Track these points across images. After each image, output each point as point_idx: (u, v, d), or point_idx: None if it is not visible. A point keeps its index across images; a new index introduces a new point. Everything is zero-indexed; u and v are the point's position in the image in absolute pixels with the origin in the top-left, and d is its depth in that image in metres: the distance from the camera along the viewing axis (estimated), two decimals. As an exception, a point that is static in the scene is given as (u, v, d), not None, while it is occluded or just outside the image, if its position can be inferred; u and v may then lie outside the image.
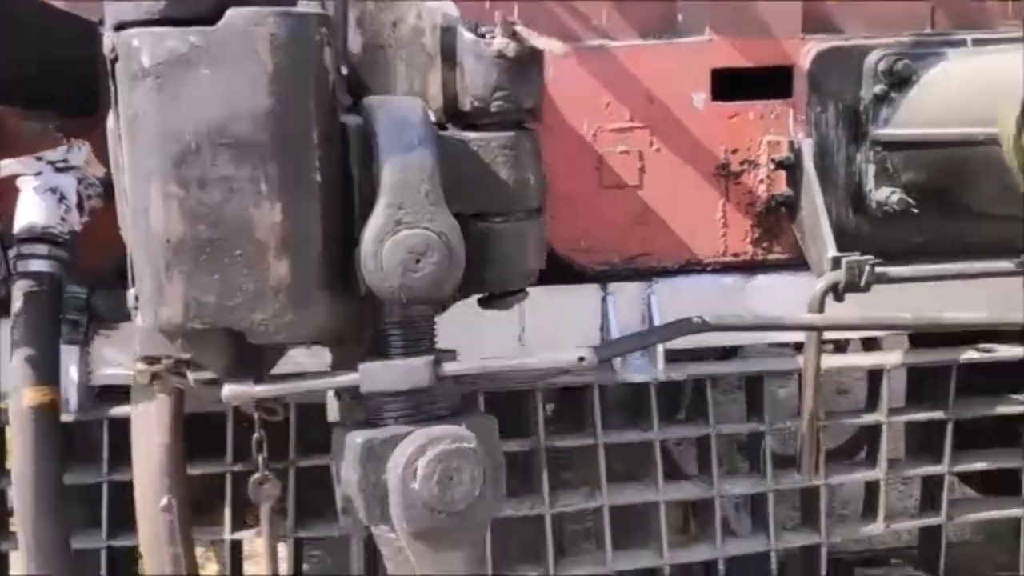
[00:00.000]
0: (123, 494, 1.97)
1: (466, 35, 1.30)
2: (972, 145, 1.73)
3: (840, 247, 1.99)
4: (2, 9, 1.42)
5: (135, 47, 1.15)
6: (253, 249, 1.13)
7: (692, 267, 2.18)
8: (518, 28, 1.30)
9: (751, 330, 1.90)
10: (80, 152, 1.59)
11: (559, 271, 2.17)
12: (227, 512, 1.91)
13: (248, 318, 1.15)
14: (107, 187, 1.73)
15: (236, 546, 1.98)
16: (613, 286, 2.15)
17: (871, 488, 2.32)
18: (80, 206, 1.58)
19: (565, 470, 2.28)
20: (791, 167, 2.11)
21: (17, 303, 1.47)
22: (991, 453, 2.38)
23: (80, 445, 1.97)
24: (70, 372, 1.81)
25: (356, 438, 1.21)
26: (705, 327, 1.81)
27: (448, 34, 1.32)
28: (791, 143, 2.10)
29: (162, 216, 1.13)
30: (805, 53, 2.11)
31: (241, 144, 1.11)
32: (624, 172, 2.12)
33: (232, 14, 1.15)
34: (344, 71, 1.24)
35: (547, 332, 2.14)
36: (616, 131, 2.10)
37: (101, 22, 1.77)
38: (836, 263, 1.95)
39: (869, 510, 2.33)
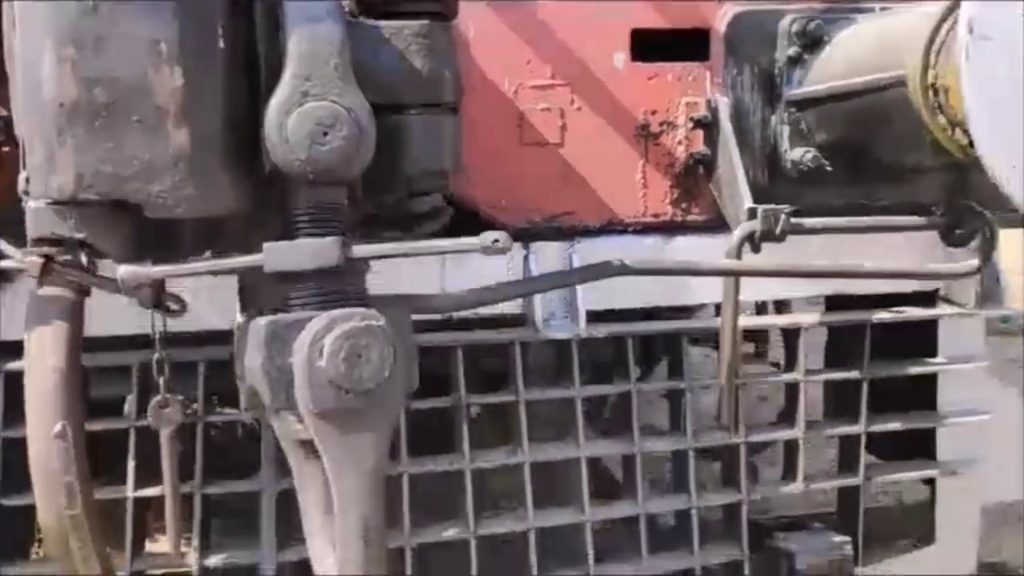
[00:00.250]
0: (18, 451, 1.87)
1: None
2: (881, 90, 1.79)
3: (757, 208, 2.03)
4: None
5: None
6: (151, 116, 1.09)
7: (613, 227, 2.20)
8: None
9: (670, 274, 1.91)
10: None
11: (481, 229, 2.16)
12: (130, 467, 1.83)
13: (145, 189, 1.10)
14: (8, 126, 1.66)
15: (140, 507, 1.89)
16: (535, 245, 2.15)
17: (790, 448, 2.35)
18: (-27, 128, 1.50)
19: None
20: (708, 126, 2.15)
21: None
22: (906, 416, 2.44)
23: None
24: (-37, 323, 1.73)
25: (260, 321, 1.16)
26: (625, 270, 1.82)
27: None
28: (708, 102, 2.14)
29: (55, 79, 1.08)
30: (721, 16, 2.16)
31: (141, 2, 1.07)
32: (545, 130, 2.13)
33: None
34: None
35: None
36: (537, 88, 2.11)
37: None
38: (752, 213, 1.99)
39: (788, 470, 2.36)
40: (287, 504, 1.94)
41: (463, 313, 2.12)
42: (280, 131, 1.12)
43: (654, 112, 2.17)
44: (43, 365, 1.35)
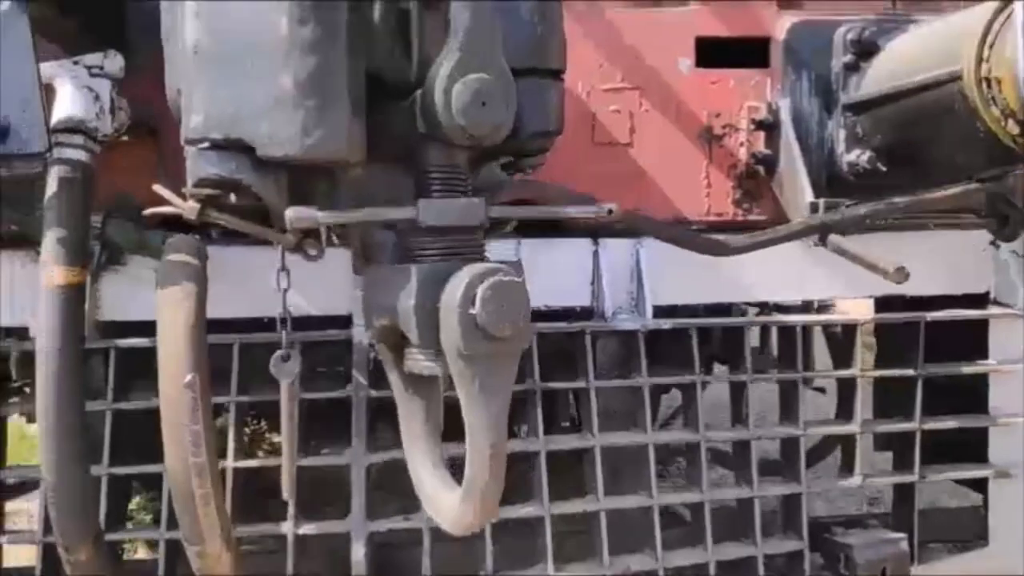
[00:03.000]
0: (125, 425, 1.99)
1: None
2: (936, 87, 1.89)
3: (816, 213, 2.13)
4: None
5: None
6: (264, 63, 1.19)
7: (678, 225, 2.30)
8: None
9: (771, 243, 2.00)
10: (115, 60, 1.66)
11: (552, 224, 2.27)
12: (230, 439, 1.93)
13: (256, 130, 1.21)
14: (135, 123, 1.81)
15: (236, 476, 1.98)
16: (604, 240, 2.26)
17: (847, 443, 2.41)
18: (112, 111, 1.64)
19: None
20: (769, 127, 2.27)
21: (52, 187, 1.52)
22: (959, 416, 2.48)
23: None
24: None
25: (412, 268, 1.27)
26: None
27: None
28: (769, 104, 2.26)
29: (191, 27, 1.20)
30: (781, 25, 2.28)
31: None
32: (615, 130, 2.25)
33: None
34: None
35: (540, 282, 2.22)
36: (608, 91, 2.24)
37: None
38: (814, 207, 2.09)
39: (846, 465, 2.42)
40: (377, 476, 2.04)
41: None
42: (445, 99, 1.22)
43: (717, 115, 2.29)
44: (174, 322, 1.46)
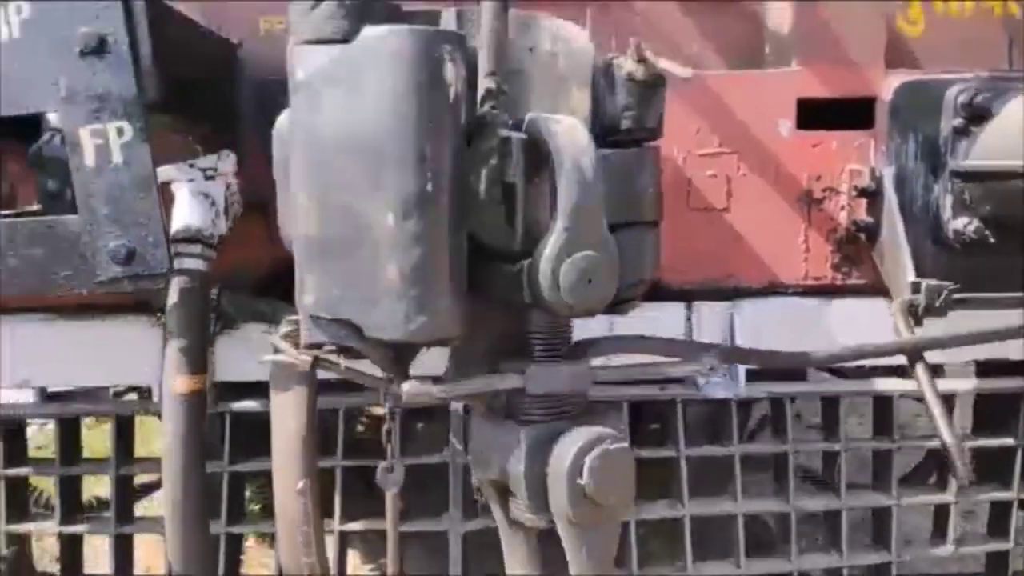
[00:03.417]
0: (241, 484, 2.10)
1: (598, 60, 1.41)
2: (1051, 174, 1.81)
3: (918, 277, 2.08)
4: (158, 22, 1.52)
5: (294, 62, 1.29)
6: (370, 251, 1.23)
7: (774, 289, 2.27)
8: (647, 53, 1.41)
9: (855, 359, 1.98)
10: (228, 160, 1.72)
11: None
12: (337, 503, 2.02)
13: (364, 314, 1.25)
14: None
15: (342, 537, 2.08)
16: (697, 305, 2.25)
17: (941, 512, 2.37)
18: (226, 212, 1.70)
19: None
20: (872, 194, 2.20)
21: (173, 298, 1.60)
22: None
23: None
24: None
25: (521, 432, 1.31)
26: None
27: (580, 57, 1.43)
28: (872, 171, 2.19)
29: (303, 213, 1.25)
30: (887, 86, 2.21)
31: (362, 151, 1.22)
32: (712, 196, 2.22)
33: (365, 32, 1.24)
34: (504, 88, 1.34)
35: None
36: (705, 156, 2.21)
37: (240, 44, 1.93)
38: (916, 288, 2.04)
39: (939, 533, 2.38)
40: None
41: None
42: (552, 279, 1.22)
43: (818, 178, 2.24)
44: (286, 429, 1.53)
